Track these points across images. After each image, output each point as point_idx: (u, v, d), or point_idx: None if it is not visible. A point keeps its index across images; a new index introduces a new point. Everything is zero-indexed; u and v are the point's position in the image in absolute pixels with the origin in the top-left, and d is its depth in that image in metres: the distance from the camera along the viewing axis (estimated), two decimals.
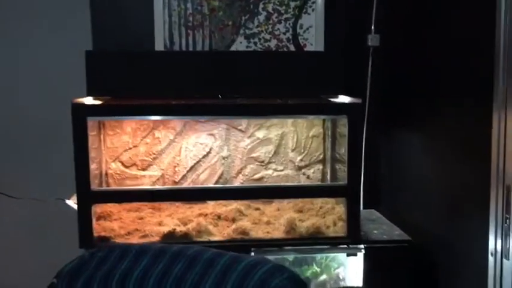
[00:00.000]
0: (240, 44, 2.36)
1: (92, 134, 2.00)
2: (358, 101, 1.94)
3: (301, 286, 1.22)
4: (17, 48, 2.36)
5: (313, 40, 2.38)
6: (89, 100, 1.99)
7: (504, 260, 1.48)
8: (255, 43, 2.37)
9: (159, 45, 2.31)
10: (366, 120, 2.36)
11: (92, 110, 1.89)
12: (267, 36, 2.37)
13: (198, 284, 1.20)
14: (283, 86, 2.20)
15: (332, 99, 2.12)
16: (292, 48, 2.38)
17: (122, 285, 1.26)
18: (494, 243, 1.51)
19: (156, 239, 1.93)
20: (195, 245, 1.37)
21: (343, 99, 2.11)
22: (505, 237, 1.47)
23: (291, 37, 2.38)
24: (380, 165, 2.48)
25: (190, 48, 2.33)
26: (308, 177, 2.37)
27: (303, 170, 2.37)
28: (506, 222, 1.46)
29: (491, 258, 1.52)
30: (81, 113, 1.83)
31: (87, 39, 2.27)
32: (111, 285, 1.26)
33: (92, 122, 1.98)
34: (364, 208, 2.37)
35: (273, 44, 2.38)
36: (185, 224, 2.00)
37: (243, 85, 2.18)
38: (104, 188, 2.17)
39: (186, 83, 2.14)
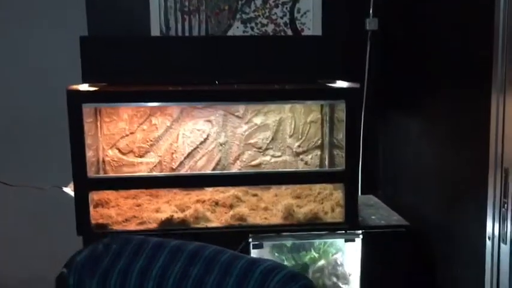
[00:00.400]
0: (236, 29, 2.33)
1: (88, 121, 1.99)
2: (356, 85, 1.93)
3: None
4: (10, 34, 2.34)
5: (311, 24, 2.35)
6: (84, 87, 1.97)
7: (501, 244, 1.47)
8: (252, 28, 2.35)
9: (154, 31, 2.29)
10: (364, 105, 2.35)
11: (87, 96, 1.87)
12: (264, 21, 2.35)
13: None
14: (281, 71, 2.17)
15: (330, 84, 2.10)
16: (289, 32, 2.36)
17: (140, 283, 1.25)
18: (491, 227, 1.51)
19: (154, 225, 1.93)
20: (210, 245, 1.36)
21: (341, 84, 2.09)
22: (502, 221, 1.46)
23: (288, 21, 2.36)
24: (378, 151, 2.47)
25: (187, 34, 2.31)
26: (306, 163, 2.36)
27: (301, 156, 2.36)
28: (504, 207, 1.45)
29: (488, 243, 1.52)
30: (76, 100, 1.81)
31: (82, 25, 2.25)
32: (130, 282, 1.25)
33: (88, 109, 1.97)
34: (362, 194, 2.37)
35: (270, 28, 2.35)
36: (183, 210, 1.99)
37: (240, 71, 2.16)
38: (101, 175, 2.17)
39: (182, 68, 2.12)
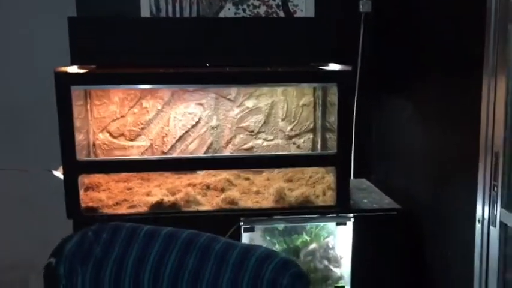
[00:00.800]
0: (228, 11, 2.30)
1: (78, 104, 1.96)
2: (348, 68, 1.91)
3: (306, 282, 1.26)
4: None
5: (304, 6, 2.32)
6: (73, 69, 1.94)
7: (491, 227, 1.48)
8: (244, 10, 2.31)
9: (145, 12, 2.25)
10: (357, 89, 2.33)
11: (75, 78, 1.84)
12: (256, 3, 2.32)
13: (216, 280, 1.22)
14: (273, 54, 2.16)
15: (322, 67, 2.08)
16: (281, 14, 2.33)
17: (136, 272, 1.23)
18: (481, 210, 1.51)
19: (144, 209, 1.92)
20: (202, 232, 1.35)
21: (333, 66, 2.07)
22: (492, 204, 1.46)
23: (280, 3, 2.33)
24: (371, 134, 2.46)
25: (178, 15, 2.28)
26: (298, 146, 2.35)
27: (293, 140, 2.35)
28: (494, 189, 1.45)
29: (478, 226, 1.52)
30: (64, 82, 1.78)
31: (71, 5, 2.21)
32: (126, 271, 1.23)
33: (77, 92, 1.94)
34: (354, 177, 2.37)
35: (262, 10, 2.32)
36: (174, 194, 1.99)
37: (232, 53, 2.14)
38: (90, 158, 2.15)
39: (173, 50, 2.10)
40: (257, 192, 2.05)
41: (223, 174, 2.11)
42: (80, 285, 1.24)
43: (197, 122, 2.28)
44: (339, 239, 2.08)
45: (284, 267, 1.22)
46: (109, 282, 1.23)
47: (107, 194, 1.99)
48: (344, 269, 2.06)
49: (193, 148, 2.29)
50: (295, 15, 2.33)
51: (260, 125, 2.32)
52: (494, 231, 1.46)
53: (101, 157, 2.21)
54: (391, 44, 2.26)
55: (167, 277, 1.22)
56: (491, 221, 1.47)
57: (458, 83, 1.69)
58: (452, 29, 1.73)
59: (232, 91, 2.26)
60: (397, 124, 2.23)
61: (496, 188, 1.44)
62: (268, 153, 2.29)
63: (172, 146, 2.28)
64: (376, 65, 2.35)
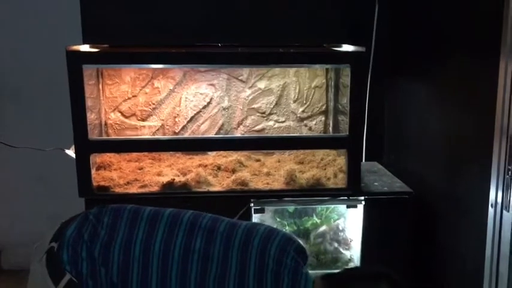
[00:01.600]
0: None
1: (90, 83, 1.97)
2: (361, 49, 1.88)
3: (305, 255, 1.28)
4: None
5: None
6: (85, 48, 1.94)
7: (504, 212, 1.46)
8: None
9: None
10: (371, 70, 2.30)
11: (87, 57, 1.84)
12: None
13: (225, 262, 1.23)
14: (285, 34, 2.12)
15: (335, 48, 2.05)
16: None
17: (144, 257, 1.22)
18: (495, 194, 1.49)
19: (156, 189, 1.93)
20: (204, 213, 1.34)
21: (347, 48, 2.04)
22: (506, 188, 1.44)
23: None
24: (384, 117, 2.44)
25: None
26: (310, 128, 2.34)
27: (305, 122, 2.33)
28: (508, 174, 1.43)
29: (491, 210, 1.50)
30: (76, 61, 1.78)
31: None
32: (133, 256, 1.22)
33: (89, 71, 1.94)
34: (366, 160, 2.35)
35: None
36: (184, 174, 1.99)
37: (244, 34, 2.11)
38: (102, 137, 2.16)
39: (184, 30, 2.08)
40: (268, 174, 2.04)
41: (234, 156, 2.11)
42: (86, 271, 1.21)
43: (208, 103, 2.27)
44: (349, 222, 2.07)
45: (288, 243, 1.26)
46: (118, 267, 1.21)
47: (118, 173, 2.00)
48: (354, 252, 2.06)
49: (205, 129, 2.29)
50: None
51: (272, 106, 2.30)
52: (508, 216, 1.45)
53: (113, 136, 2.21)
54: (407, 25, 2.22)
55: (176, 261, 1.22)
56: (505, 205, 1.45)
57: (475, 66, 1.66)
58: (469, 10, 1.69)
59: (244, 72, 2.25)
60: (411, 107, 2.20)
61: (510, 172, 1.42)
62: (280, 135, 2.28)
63: (184, 127, 2.28)
64: (391, 46, 2.31)
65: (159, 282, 1.21)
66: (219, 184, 1.98)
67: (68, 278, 1.20)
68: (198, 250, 1.23)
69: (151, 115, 2.26)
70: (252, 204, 1.92)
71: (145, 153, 2.13)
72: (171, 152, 2.15)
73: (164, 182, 1.93)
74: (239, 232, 1.27)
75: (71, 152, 1.96)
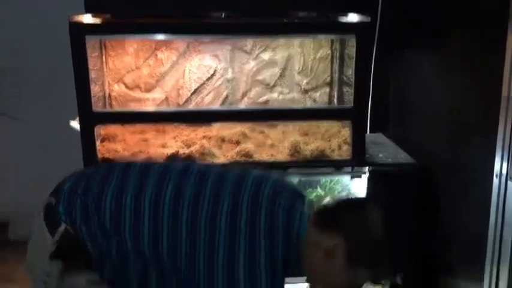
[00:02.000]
0: None
1: (93, 55, 1.95)
2: (367, 19, 1.86)
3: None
4: None
5: None
6: (87, 18, 1.92)
7: (509, 182, 1.46)
8: None
9: None
10: (376, 41, 2.27)
11: (90, 28, 1.82)
12: None
13: (216, 203, 1.23)
14: (290, 4, 2.10)
15: (340, 18, 2.02)
16: None
17: (135, 202, 1.25)
18: (500, 165, 1.49)
19: (160, 161, 1.93)
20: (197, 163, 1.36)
21: (352, 17, 2.01)
22: (511, 159, 1.44)
23: None
24: (389, 89, 2.42)
25: None
26: (314, 100, 2.32)
27: (309, 93, 2.32)
28: None
29: (495, 180, 1.50)
30: (79, 32, 1.76)
31: None
32: (125, 201, 1.24)
33: (92, 42, 1.93)
34: (371, 132, 2.35)
35: None
36: (189, 146, 1.99)
37: (248, 4, 2.08)
38: (106, 109, 2.15)
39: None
40: (272, 146, 2.04)
41: (238, 127, 2.10)
42: (80, 219, 1.24)
43: (212, 75, 2.26)
44: (354, 193, 2.08)
45: (281, 185, 1.29)
46: (110, 213, 1.24)
47: (122, 145, 2.01)
48: None
49: (209, 101, 2.28)
50: None
51: (276, 78, 2.28)
52: None
53: (117, 108, 2.21)
54: None
55: (167, 205, 1.23)
56: (510, 176, 1.45)
57: (482, 37, 1.63)
58: None
59: (248, 43, 2.22)
60: (416, 78, 2.18)
61: None
62: (284, 106, 2.27)
63: (188, 99, 2.27)
64: (397, 17, 2.28)
65: (151, 226, 1.23)
66: (223, 156, 1.98)
67: (64, 227, 1.25)
68: (190, 192, 1.24)
69: (155, 87, 2.25)
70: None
71: (150, 125, 2.13)
72: (175, 124, 2.14)
73: (168, 154, 1.93)
74: (231, 175, 1.29)
75: (75, 124, 1.97)
